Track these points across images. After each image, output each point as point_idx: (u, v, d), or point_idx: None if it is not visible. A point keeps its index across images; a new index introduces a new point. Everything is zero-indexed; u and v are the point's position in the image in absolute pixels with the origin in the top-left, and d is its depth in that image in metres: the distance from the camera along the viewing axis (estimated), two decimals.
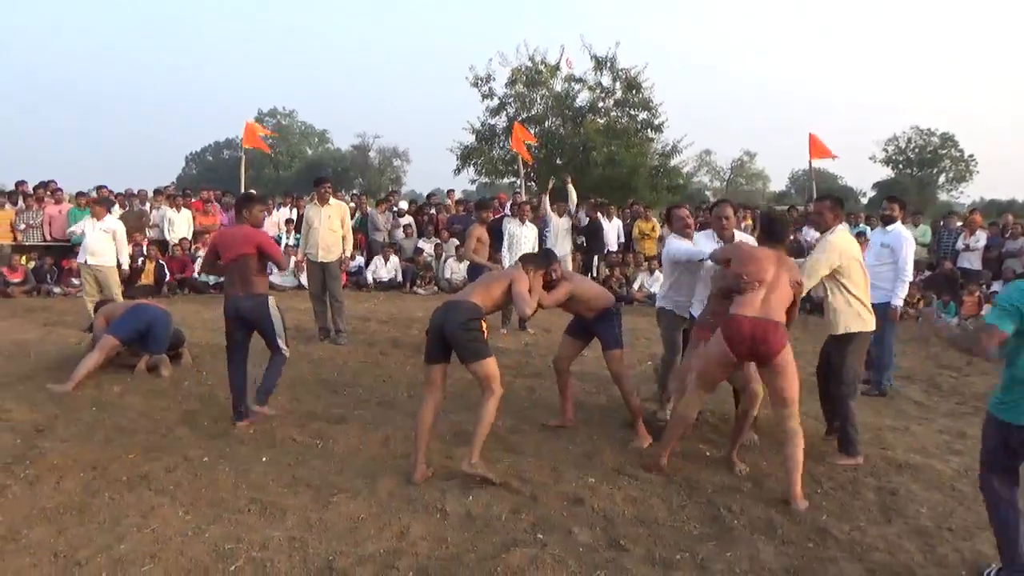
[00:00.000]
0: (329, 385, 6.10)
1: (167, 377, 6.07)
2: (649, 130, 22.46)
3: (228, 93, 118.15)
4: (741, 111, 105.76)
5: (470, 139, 23.06)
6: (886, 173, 49.11)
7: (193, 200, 12.92)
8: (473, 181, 23.27)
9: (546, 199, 11.67)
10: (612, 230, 12.76)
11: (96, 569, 3.09)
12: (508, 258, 8.77)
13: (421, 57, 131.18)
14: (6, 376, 6.04)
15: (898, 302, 5.98)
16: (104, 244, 8.01)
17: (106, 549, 3.24)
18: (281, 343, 5.16)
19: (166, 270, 10.84)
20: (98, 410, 5.25)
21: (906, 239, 6.03)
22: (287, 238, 12.31)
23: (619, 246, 12.72)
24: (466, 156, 22.91)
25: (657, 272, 11.57)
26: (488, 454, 4.35)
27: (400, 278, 12.32)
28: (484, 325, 4.16)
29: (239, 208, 5.33)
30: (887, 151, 49.71)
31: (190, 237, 11.98)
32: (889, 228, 6.18)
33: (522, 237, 8.90)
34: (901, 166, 49.88)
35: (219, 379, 6.05)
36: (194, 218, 12.31)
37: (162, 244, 11.74)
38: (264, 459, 4.36)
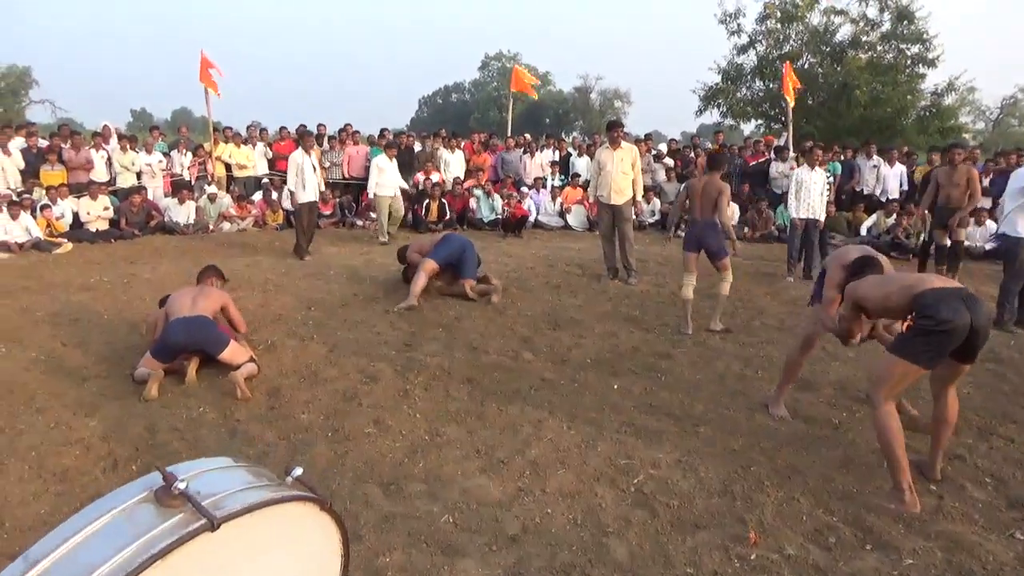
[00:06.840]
0: (637, 322, 6.32)
1: (496, 303, 6.66)
2: (921, 65, 20.21)
3: (457, 41, 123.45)
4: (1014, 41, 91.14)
5: (715, 79, 22.23)
6: None
7: (464, 142, 13.73)
8: (718, 124, 22.38)
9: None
10: (893, 177, 11.77)
11: (518, 468, 3.53)
12: (795, 206, 8.46)
13: None
14: (356, 296, 6.96)
15: None
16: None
17: (518, 452, 3.69)
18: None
19: (447, 208, 11.71)
20: (444, 331, 5.90)
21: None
22: (552, 179, 12.73)
23: (901, 194, 11.69)
24: (710, 97, 22.13)
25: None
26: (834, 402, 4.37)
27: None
28: None
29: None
30: None
31: (462, 176, 12.82)
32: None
33: (811, 183, 8.51)
34: None
35: (537, 311, 6.55)
36: (467, 159, 13.13)
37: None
38: (615, 386, 4.68)
